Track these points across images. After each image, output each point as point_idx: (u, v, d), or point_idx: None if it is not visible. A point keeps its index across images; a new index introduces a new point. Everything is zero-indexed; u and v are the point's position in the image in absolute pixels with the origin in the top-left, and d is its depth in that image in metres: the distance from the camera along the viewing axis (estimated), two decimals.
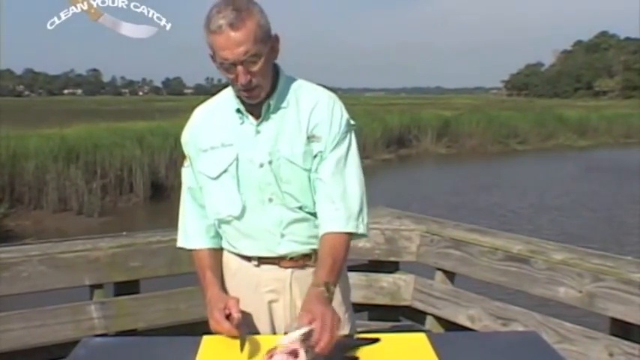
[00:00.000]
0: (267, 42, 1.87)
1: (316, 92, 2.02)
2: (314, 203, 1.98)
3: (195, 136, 2.04)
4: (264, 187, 1.95)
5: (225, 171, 1.97)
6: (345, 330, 2.04)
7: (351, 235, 1.96)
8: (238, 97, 1.96)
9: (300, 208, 1.98)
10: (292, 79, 2.02)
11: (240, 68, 1.83)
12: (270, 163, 1.94)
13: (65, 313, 3.02)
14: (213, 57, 1.89)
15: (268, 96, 1.94)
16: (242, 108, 1.96)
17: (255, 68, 1.84)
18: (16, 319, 2.93)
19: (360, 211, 1.98)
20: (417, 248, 3.49)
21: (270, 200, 1.96)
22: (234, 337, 1.80)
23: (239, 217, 1.99)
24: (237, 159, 1.96)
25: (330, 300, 1.81)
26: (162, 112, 24.13)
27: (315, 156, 1.95)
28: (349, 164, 1.99)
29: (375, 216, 3.70)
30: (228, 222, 2.02)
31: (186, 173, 2.10)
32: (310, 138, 1.95)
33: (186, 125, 2.10)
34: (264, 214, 1.97)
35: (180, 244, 2.15)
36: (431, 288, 3.43)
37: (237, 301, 1.88)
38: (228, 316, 1.84)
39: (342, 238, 1.93)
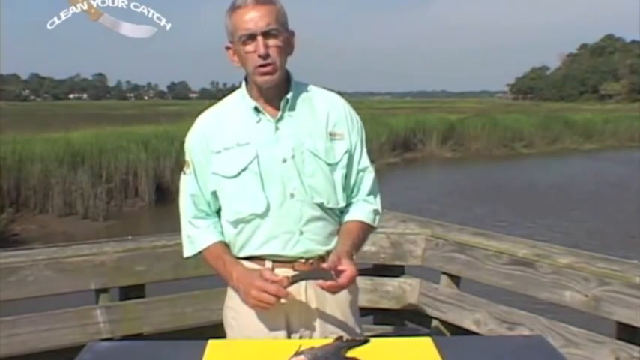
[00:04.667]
0: (286, 28, 1.98)
1: (327, 93, 2.13)
2: (336, 199, 2.05)
3: (204, 140, 2.05)
4: (286, 182, 1.99)
5: (245, 169, 1.99)
6: (352, 333, 2.05)
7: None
8: (253, 97, 2.01)
9: (321, 205, 2.02)
10: (302, 83, 2.09)
11: (259, 39, 1.92)
12: (293, 157, 1.98)
13: (71, 317, 3.03)
14: (229, 47, 2.00)
15: (285, 92, 2.01)
16: (259, 106, 2.01)
17: (273, 42, 1.94)
18: (22, 324, 2.94)
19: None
20: (422, 252, 3.49)
21: (292, 196, 1.99)
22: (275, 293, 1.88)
23: (262, 215, 2.00)
24: (257, 156, 1.98)
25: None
26: (167, 116, 24.19)
27: (346, 152, 2.05)
28: (370, 163, 2.14)
29: (380, 220, 3.69)
30: (248, 221, 2.02)
31: (187, 181, 2.10)
32: (332, 135, 2.04)
33: (191, 131, 2.11)
34: (285, 210, 2.00)
35: (187, 253, 2.14)
36: (436, 292, 3.42)
37: (270, 268, 1.99)
38: None
39: (368, 227, 2.14)
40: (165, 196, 15.58)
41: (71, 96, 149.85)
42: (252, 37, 1.92)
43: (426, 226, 3.59)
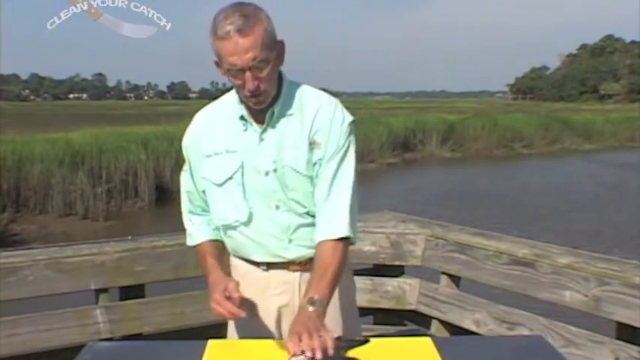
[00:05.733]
0: (274, 48, 1.87)
1: (319, 97, 2.02)
2: None
3: (197, 141, 2.04)
4: (270, 194, 1.95)
5: (230, 178, 1.97)
6: (351, 333, 2.05)
7: (347, 241, 1.94)
8: (242, 103, 1.96)
9: (307, 213, 1.98)
10: (295, 84, 2.02)
11: (248, 74, 1.83)
12: (275, 171, 1.94)
13: (71, 317, 3.03)
14: (218, 64, 1.89)
15: (273, 102, 1.94)
16: (246, 115, 1.95)
17: (262, 74, 1.84)
18: (22, 324, 2.94)
19: (351, 217, 1.95)
20: (422, 252, 3.49)
21: (277, 207, 1.97)
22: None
23: (246, 223, 1.99)
24: (242, 166, 1.96)
25: (319, 312, 1.76)
26: (167, 117, 24.18)
27: (315, 163, 1.95)
28: (346, 171, 1.97)
29: (380, 220, 3.70)
30: (235, 227, 2.02)
31: (184, 177, 2.11)
32: (311, 144, 1.95)
33: (188, 129, 2.10)
34: (272, 220, 1.97)
35: (188, 243, 2.16)
36: (436, 292, 3.42)
37: (237, 283, 1.85)
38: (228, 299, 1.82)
39: (335, 245, 1.91)
40: (165, 196, 15.58)
41: (71, 96, 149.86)
42: (240, 71, 1.83)
43: (426, 227, 3.60)
